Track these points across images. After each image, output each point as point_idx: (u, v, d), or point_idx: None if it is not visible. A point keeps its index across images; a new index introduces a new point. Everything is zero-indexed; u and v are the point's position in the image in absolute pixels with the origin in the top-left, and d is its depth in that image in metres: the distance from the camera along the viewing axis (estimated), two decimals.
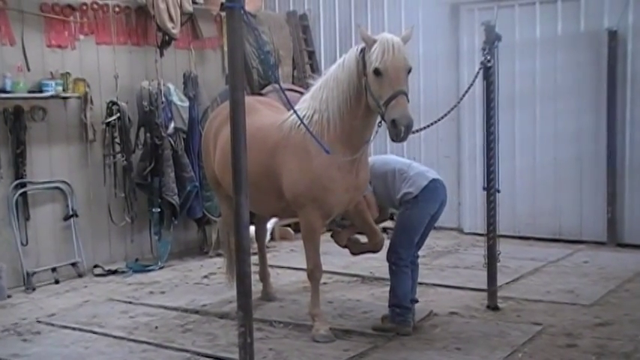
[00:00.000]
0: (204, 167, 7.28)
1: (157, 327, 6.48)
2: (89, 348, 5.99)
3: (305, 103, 5.92)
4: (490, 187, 6.78)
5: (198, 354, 5.76)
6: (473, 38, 10.25)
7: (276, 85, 10.65)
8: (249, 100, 7.29)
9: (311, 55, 11.64)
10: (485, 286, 7.24)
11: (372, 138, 5.85)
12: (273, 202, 6.09)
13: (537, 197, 9.94)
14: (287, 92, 10.60)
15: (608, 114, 9.41)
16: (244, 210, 4.37)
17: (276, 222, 9.56)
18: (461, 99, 6.78)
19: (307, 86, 11.02)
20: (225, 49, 10.39)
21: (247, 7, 10.66)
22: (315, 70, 11.60)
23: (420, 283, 7.64)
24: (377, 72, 5.34)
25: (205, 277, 8.39)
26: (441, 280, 7.83)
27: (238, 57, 4.33)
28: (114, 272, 8.59)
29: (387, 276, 7.85)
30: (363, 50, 5.53)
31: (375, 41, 5.39)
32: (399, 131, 5.23)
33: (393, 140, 5.37)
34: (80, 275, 8.46)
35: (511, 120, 9.93)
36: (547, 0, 9.82)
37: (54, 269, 8.29)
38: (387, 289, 7.46)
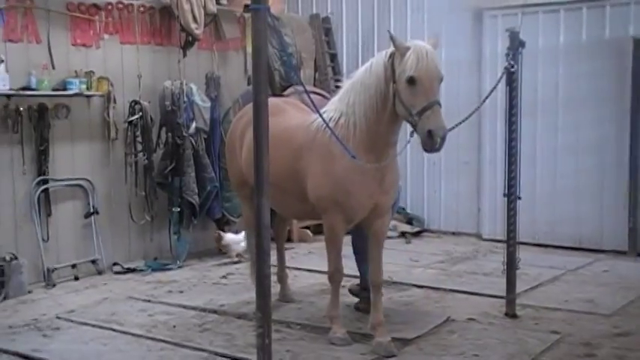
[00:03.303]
0: (228, 167, 7.28)
1: (174, 326, 6.51)
2: (107, 345, 6.03)
3: (332, 106, 5.88)
4: (511, 194, 6.76)
5: (216, 354, 5.77)
6: (496, 44, 10.23)
7: (298, 87, 10.67)
8: (276, 100, 7.34)
9: (333, 57, 11.66)
10: (503, 294, 7.23)
11: (396, 143, 5.81)
12: (297, 203, 6.09)
13: (557, 205, 9.88)
14: (311, 95, 10.73)
15: (631, 123, 9.35)
16: (265, 211, 4.39)
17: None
18: (483, 101, 6.72)
19: (329, 89, 11.18)
20: (248, 50, 10.46)
21: (271, 10, 10.81)
22: (337, 72, 11.63)
23: (437, 289, 7.75)
24: (411, 80, 5.25)
25: (224, 277, 8.42)
26: (459, 286, 7.80)
27: (262, 58, 4.34)
28: (133, 270, 8.64)
29: (407, 281, 7.96)
30: (392, 56, 5.46)
31: (408, 48, 5.30)
32: (435, 142, 5.19)
33: (426, 151, 5.32)
34: (100, 272, 8.52)
35: (533, 127, 9.85)
36: (572, 7, 9.78)
37: (74, 266, 8.36)
38: (407, 292, 7.57)
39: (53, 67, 8.11)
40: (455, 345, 5.99)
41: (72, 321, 6.69)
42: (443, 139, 5.20)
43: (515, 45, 6.66)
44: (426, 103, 5.21)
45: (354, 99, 5.67)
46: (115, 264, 8.73)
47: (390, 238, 8.72)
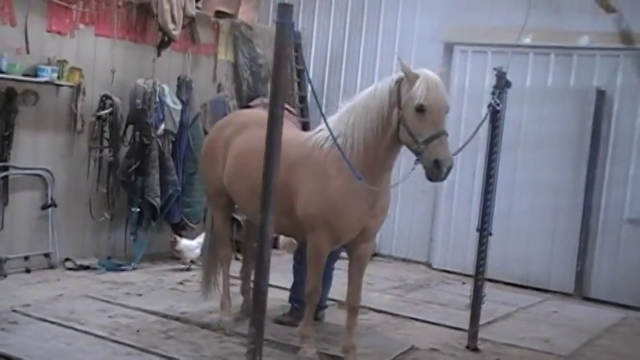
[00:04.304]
0: (205, 176, 7.07)
1: (138, 330, 6.37)
2: (71, 345, 5.84)
3: (331, 124, 5.82)
4: (484, 229, 6.86)
5: None
6: (464, 79, 10.45)
7: (264, 100, 10.67)
8: (264, 113, 7.28)
9: (300, 73, 11.64)
10: (461, 325, 7.39)
11: (392, 169, 5.83)
12: (281, 218, 5.88)
13: (510, 243, 10.07)
14: None
15: (588, 170, 9.66)
16: (269, 226, 4.36)
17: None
18: (469, 139, 6.72)
19: (294, 104, 11.17)
20: (220, 57, 10.40)
21: (242, 17, 10.76)
22: (303, 89, 11.63)
23: (397, 315, 7.80)
24: (420, 109, 5.26)
25: (180, 283, 8.30)
26: (417, 315, 7.87)
27: (282, 74, 4.33)
28: (86, 268, 8.43)
29: (365, 304, 7.96)
30: (398, 82, 5.47)
31: (417, 76, 5.32)
32: (441, 172, 5.23)
33: (430, 180, 5.35)
34: (52, 267, 8.28)
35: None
36: (540, 52, 10.05)
37: (26, 257, 8.10)
38: (366, 316, 7.59)
39: (28, 52, 7.87)
40: None
41: (29, 316, 6.47)
42: (449, 169, 5.25)
43: (502, 84, 6.80)
44: (434, 132, 5.25)
45: (353, 120, 5.63)
46: (67, 259, 8.48)
47: (341, 258, 8.75)
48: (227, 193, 6.64)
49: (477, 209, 10.14)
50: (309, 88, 5.48)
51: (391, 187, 5.96)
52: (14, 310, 6.58)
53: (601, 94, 9.61)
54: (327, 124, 5.55)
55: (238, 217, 8.82)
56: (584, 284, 9.70)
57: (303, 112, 11.42)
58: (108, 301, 7.20)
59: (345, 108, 5.84)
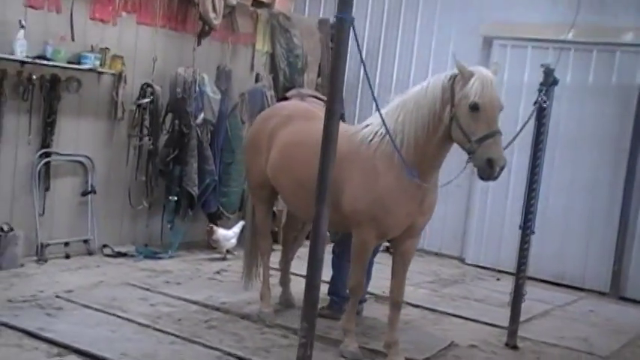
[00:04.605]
0: (248, 167, 7.02)
1: (180, 319, 6.40)
2: (116, 332, 5.88)
3: (378, 119, 5.75)
4: (527, 228, 6.82)
5: (229, 354, 5.67)
6: (502, 74, 10.33)
7: (301, 90, 10.66)
8: (305, 105, 7.26)
9: None
10: (499, 322, 7.41)
11: (440, 166, 5.80)
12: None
13: (545, 240, 9.95)
14: (309, 99, 10.68)
15: (627, 169, 9.55)
16: (324, 220, 4.35)
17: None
18: (516, 135, 6.64)
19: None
20: (258, 47, 10.40)
21: (278, 7, 10.75)
22: None
23: (434, 310, 7.77)
24: (475, 107, 5.20)
25: (217, 272, 8.32)
26: (454, 310, 7.85)
27: (341, 69, 4.30)
28: (124, 255, 8.47)
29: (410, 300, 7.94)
30: (452, 79, 5.43)
31: (472, 74, 5.26)
32: (494, 171, 5.18)
33: (482, 179, 5.31)
34: (90, 253, 8.33)
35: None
36: (582, 48, 9.93)
37: (66, 243, 8.16)
38: (404, 310, 7.53)
39: (73, 39, 7.92)
40: None
41: (73, 302, 6.52)
42: (502, 168, 5.21)
43: (549, 81, 6.74)
44: (488, 132, 5.20)
45: (404, 117, 5.57)
46: (104, 246, 8.54)
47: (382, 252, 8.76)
48: (270, 185, 6.63)
49: (512, 205, 10.27)
50: (367, 81, 5.34)
51: (442, 186, 5.91)
52: (58, 296, 6.64)
53: None
54: (383, 122, 5.47)
55: (273, 208, 8.82)
56: (620, 284, 9.61)
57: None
58: (148, 289, 7.23)
59: (395, 103, 5.76)
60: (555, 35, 9.99)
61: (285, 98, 10.18)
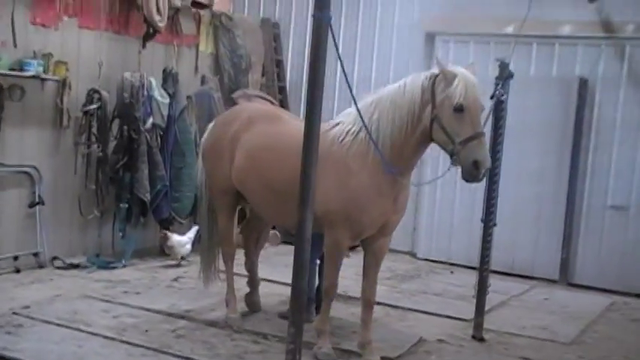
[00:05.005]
0: (209, 174, 6.75)
1: (147, 330, 6.25)
2: (82, 347, 5.69)
3: (350, 118, 5.70)
4: (489, 220, 6.90)
5: None
6: None
7: (247, 91, 10.57)
8: (272, 108, 7.18)
9: (278, 64, 11.56)
10: (460, 315, 7.53)
11: (415, 165, 5.78)
12: (297, 214, 5.83)
13: (495, 230, 10.10)
14: (255, 99, 10.59)
15: (571, 158, 9.78)
16: (308, 225, 4.29)
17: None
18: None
19: (275, 95, 11.07)
20: (201, 48, 10.25)
21: (217, 7, 10.62)
22: (282, 79, 11.54)
23: (396, 307, 7.78)
24: (459, 108, 5.17)
25: (175, 280, 8.16)
26: (416, 306, 7.89)
27: (320, 70, 4.23)
28: (76, 266, 8.23)
29: (358, 295, 7.93)
30: (433, 79, 5.39)
31: (455, 75, 5.23)
32: (480, 173, 5.18)
33: (466, 180, 5.28)
34: (41, 266, 8.07)
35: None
36: (522, 41, 10.08)
37: (15, 257, 7.88)
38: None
39: (15, 45, 7.63)
40: None
41: (32, 318, 6.29)
42: (487, 170, 5.22)
43: (505, 75, 6.83)
44: (473, 133, 5.18)
45: (379, 115, 5.50)
46: (54, 258, 8.27)
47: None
48: (234, 191, 6.49)
49: (460, 199, 10.39)
50: (344, 77, 5.19)
51: (426, 184, 5.89)
52: (15, 313, 6.39)
53: (583, 83, 9.73)
54: (362, 120, 5.42)
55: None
56: (569, 270, 9.84)
57: (283, 102, 11.32)
58: (108, 301, 7.04)
59: (368, 101, 5.67)
60: (497, 29, 10.19)
61: (232, 99, 10.11)
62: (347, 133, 5.62)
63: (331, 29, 4.25)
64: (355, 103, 5.38)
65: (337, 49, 4.77)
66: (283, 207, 5.90)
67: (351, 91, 5.15)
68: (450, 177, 10.22)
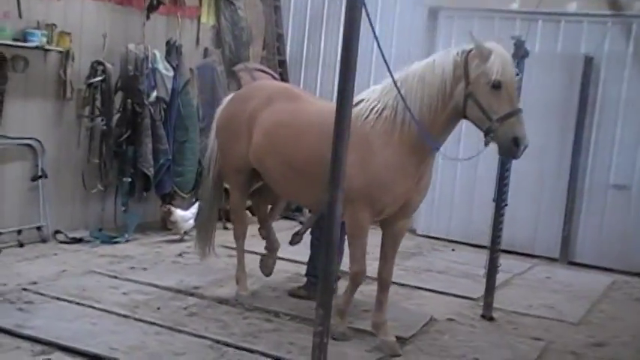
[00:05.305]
0: (223, 152, 6.62)
1: (159, 308, 6.19)
2: (97, 325, 5.62)
3: (374, 95, 5.57)
4: (502, 200, 6.87)
5: (218, 342, 5.51)
6: (449, 45, 10.32)
7: (248, 64, 10.45)
8: (289, 86, 7.05)
9: (279, 37, 11.41)
10: (466, 294, 7.58)
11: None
12: (317, 192, 5.47)
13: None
14: (257, 72, 10.46)
15: (575, 135, 9.75)
16: (338, 205, 4.22)
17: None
18: None
19: (276, 69, 10.95)
20: (203, 20, 10.10)
21: None
22: (282, 53, 11.42)
23: (403, 285, 7.76)
24: (497, 85, 5.06)
25: (180, 255, 8.10)
26: (422, 284, 7.88)
27: (353, 50, 4.13)
28: (79, 240, 8.13)
29: (370, 274, 7.91)
30: (465, 55, 5.27)
31: (491, 51, 5.11)
32: (519, 149, 5.11)
33: (505, 157, 5.26)
34: (44, 240, 7.97)
35: (477, 131, 10.02)
36: (527, 17, 10.03)
37: (19, 231, 7.76)
38: (373, 287, 7.51)
39: (20, 16, 7.47)
40: (451, 347, 6.03)
41: (42, 294, 6.20)
42: (526, 147, 5.16)
43: (520, 53, 6.77)
44: (511, 110, 5.09)
45: (405, 93, 5.35)
46: (57, 232, 8.17)
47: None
48: (248, 169, 6.41)
49: (461, 175, 10.37)
50: (381, 52, 4.95)
51: (463, 160, 5.79)
52: (24, 289, 6.31)
53: (589, 61, 9.67)
54: (401, 97, 5.28)
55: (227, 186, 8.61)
56: (569, 249, 9.86)
57: (283, 76, 11.20)
58: (115, 277, 6.97)
59: (394, 77, 5.40)
60: (502, 5, 10.12)
61: (233, 73, 9.98)
62: (371, 110, 5.50)
63: (365, 8, 4.14)
64: (394, 82, 5.21)
65: (373, 30, 4.62)
66: (301, 185, 5.84)
67: (388, 67, 4.99)
68: (451, 154, 10.34)
